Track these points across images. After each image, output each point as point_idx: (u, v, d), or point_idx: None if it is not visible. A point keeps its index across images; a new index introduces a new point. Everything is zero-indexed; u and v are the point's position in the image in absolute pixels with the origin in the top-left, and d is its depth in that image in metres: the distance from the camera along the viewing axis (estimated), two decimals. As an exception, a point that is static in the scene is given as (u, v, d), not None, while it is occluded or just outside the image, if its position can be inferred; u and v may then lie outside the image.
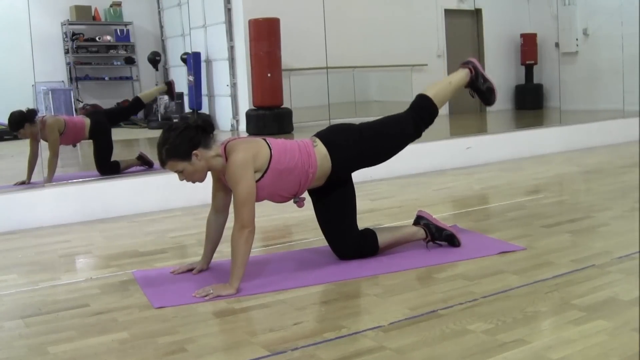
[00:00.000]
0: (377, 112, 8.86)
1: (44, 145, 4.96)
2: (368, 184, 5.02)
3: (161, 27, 8.19)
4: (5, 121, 5.00)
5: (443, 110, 3.34)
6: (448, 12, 9.44)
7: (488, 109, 8.21)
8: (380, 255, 3.07)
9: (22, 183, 4.79)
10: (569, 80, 8.31)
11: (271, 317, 2.41)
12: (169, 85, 6.42)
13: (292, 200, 2.94)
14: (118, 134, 5.67)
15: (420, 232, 3.17)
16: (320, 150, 2.88)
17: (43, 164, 4.78)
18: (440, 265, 2.94)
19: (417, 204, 4.31)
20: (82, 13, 7.62)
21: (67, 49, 7.51)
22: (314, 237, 3.43)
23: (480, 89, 3.21)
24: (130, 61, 7.93)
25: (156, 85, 7.81)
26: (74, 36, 7.59)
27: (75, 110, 7.12)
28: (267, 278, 2.85)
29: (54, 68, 7.24)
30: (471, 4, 9.18)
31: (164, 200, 4.57)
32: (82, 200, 4.40)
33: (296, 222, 3.95)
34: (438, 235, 3.17)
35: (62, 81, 7.25)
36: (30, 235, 4.00)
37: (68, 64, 7.47)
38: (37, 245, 3.76)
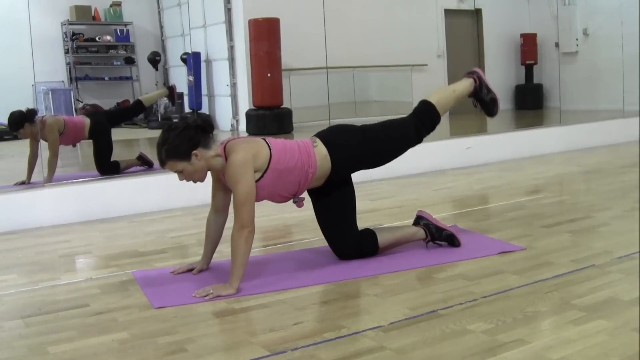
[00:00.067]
0: (377, 112, 8.87)
1: (43, 145, 4.96)
2: (368, 184, 5.02)
3: (161, 27, 8.19)
4: (5, 121, 5.00)
5: (443, 110, 3.33)
6: (448, 12, 9.44)
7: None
8: (380, 255, 3.07)
9: (22, 183, 4.79)
10: (569, 80, 8.30)
11: (271, 317, 2.41)
12: (171, 89, 6.44)
13: (291, 200, 2.94)
14: (118, 134, 5.67)
15: (420, 232, 3.17)
16: (320, 151, 2.88)
17: (43, 164, 4.78)
18: (440, 265, 2.94)
19: (417, 204, 4.31)
20: (82, 13, 7.63)
21: (67, 49, 7.51)
22: (314, 237, 3.43)
23: (483, 100, 3.21)
24: (130, 61, 7.94)
25: (156, 85, 7.82)
26: (74, 36, 7.59)
27: (75, 110, 7.12)
28: (267, 278, 2.85)
29: (54, 68, 7.24)
30: (471, 4, 9.18)
31: (164, 200, 4.57)
32: (82, 200, 4.40)
33: (296, 222, 3.95)
34: (438, 235, 3.17)
35: (62, 81, 7.25)
36: (30, 235, 4.00)
37: (68, 64, 7.48)
38: (37, 245, 3.76)
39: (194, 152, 2.67)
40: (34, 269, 3.24)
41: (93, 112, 6.97)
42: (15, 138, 5.21)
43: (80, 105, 7.31)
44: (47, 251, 3.61)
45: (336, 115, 6.41)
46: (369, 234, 3.05)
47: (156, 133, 2.77)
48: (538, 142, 6.56)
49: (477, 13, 9.62)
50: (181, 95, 7.77)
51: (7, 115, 4.95)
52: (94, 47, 7.77)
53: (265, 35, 7.75)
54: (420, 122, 3.08)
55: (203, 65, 8.33)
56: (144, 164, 5.43)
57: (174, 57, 8.12)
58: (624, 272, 2.70)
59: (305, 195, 2.99)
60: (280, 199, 2.90)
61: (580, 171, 5.57)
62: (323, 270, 2.93)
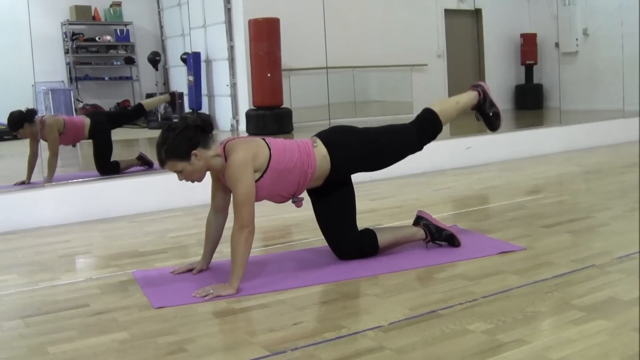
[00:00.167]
0: (377, 112, 8.88)
1: (43, 145, 4.96)
2: (368, 184, 5.02)
3: (161, 27, 8.19)
4: (5, 121, 5.00)
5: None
6: (448, 12, 9.44)
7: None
8: (380, 255, 3.07)
9: (22, 183, 4.79)
10: (569, 80, 8.30)
11: (271, 317, 2.41)
12: (173, 96, 6.46)
13: (290, 200, 2.94)
14: (118, 134, 5.67)
15: (420, 232, 3.17)
16: (320, 151, 2.88)
17: (43, 164, 4.78)
18: (440, 265, 2.94)
19: (417, 204, 4.31)
20: (82, 13, 7.62)
21: (67, 49, 7.51)
22: (314, 237, 3.43)
23: (486, 113, 3.23)
24: (130, 61, 7.94)
25: (156, 84, 7.82)
26: (74, 36, 7.59)
27: (75, 110, 7.12)
28: (267, 278, 2.85)
29: (54, 68, 7.24)
30: (471, 4, 9.18)
31: (164, 200, 4.57)
32: (82, 200, 4.40)
33: (296, 222, 3.95)
34: (438, 236, 3.17)
35: (62, 81, 7.25)
36: (30, 235, 4.00)
37: (68, 64, 7.47)
38: (37, 245, 3.76)
39: (194, 152, 2.67)
40: (33, 269, 3.24)
41: (93, 112, 6.98)
42: (15, 138, 5.20)
43: (80, 105, 7.31)
44: (47, 251, 3.60)
45: (336, 115, 6.41)
46: (369, 234, 3.05)
47: (156, 133, 2.77)
48: (538, 142, 6.56)
49: (477, 13, 9.62)
50: (181, 95, 7.77)
51: (7, 115, 4.95)
52: (94, 47, 7.77)
53: (265, 35, 7.75)
54: (422, 130, 3.08)
55: (203, 65, 8.33)
56: (144, 164, 5.43)
57: (174, 57, 8.12)
58: (624, 272, 2.70)
59: (304, 195, 2.99)
60: (280, 198, 2.90)
61: (580, 171, 5.57)
62: (323, 270, 2.93)
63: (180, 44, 8.09)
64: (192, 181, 2.76)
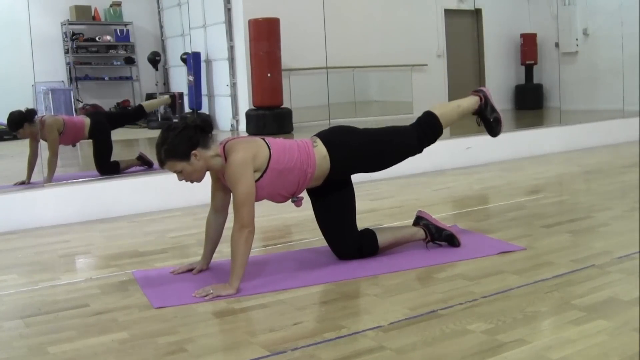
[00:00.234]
0: (377, 112, 8.88)
1: (43, 145, 4.96)
2: (368, 184, 5.02)
3: (161, 27, 8.19)
4: (5, 121, 5.00)
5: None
6: (448, 12, 9.44)
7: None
8: (380, 255, 3.07)
9: (22, 183, 4.79)
10: (569, 80, 8.30)
11: (271, 317, 2.41)
12: (173, 98, 6.47)
13: (290, 200, 2.94)
14: (118, 134, 5.67)
15: (420, 232, 3.17)
16: (320, 151, 2.88)
17: (43, 164, 4.78)
18: (440, 265, 2.94)
19: (417, 204, 4.31)
20: (82, 13, 7.63)
21: (67, 49, 7.52)
22: (314, 237, 3.43)
23: (487, 118, 3.23)
24: (130, 61, 7.94)
25: (156, 84, 7.82)
26: (74, 36, 7.59)
27: (75, 110, 7.13)
28: (267, 278, 2.85)
29: (54, 68, 7.25)
30: (471, 4, 9.18)
31: (164, 200, 4.57)
32: (82, 200, 4.40)
33: (296, 222, 3.95)
34: (438, 236, 3.17)
35: (62, 81, 7.26)
36: (30, 235, 4.00)
37: (68, 64, 7.48)
38: (37, 245, 3.76)
39: (193, 152, 2.66)
40: (33, 269, 3.24)
41: (93, 112, 6.98)
42: (15, 138, 5.21)
43: (80, 105, 7.31)
44: (47, 251, 3.60)
45: (336, 115, 6.41)
46: (369, 234, 3.05)
47: (156, 133, 2.77)
48: (538, 142, 6.56)
49: (477, 13, 9.62)
50: (181, 95, 7.78)
51: (7, 115, 4.95)
52: (94, 47, 7.77)
53: (265, 35, 7.75)
54: (423, 133, 3.09)
55: (203, 65, 8.33)
56: (144, 164, 5.43)
57: (174, 57, 8.13)
58: (624, 272, 2.70)
59: (304, 194, 3.00)
60: (280, 198, 2.90)
61: (580, 171, 5.57)
62: (323, 270, 2.93)
63: (180, 44, 8.10)
64: (192, 181, 2.76)
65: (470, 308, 2.38)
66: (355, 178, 3.08)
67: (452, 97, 3.11)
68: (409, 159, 3.13)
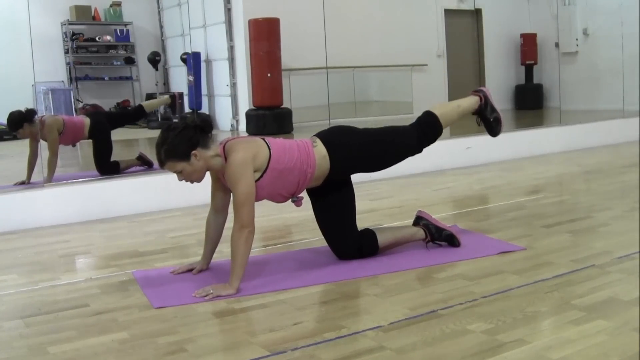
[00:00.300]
0: (377, 112, 8.88)
1: (43, 145, 4.96)
2: (368, 184, 5.02)
3: (161, 27, 8.19)
4: (5, 121, 5.00)
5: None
6: (448, 12, 9.44)
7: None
8: (380, 255, 3.07)
9: (22, 183, 4.79)
10: (569, 80, 8.30)
11: (271, 317, 2.41)
12: (173, 99, 6.47)
13: (290, 200, 2.94)
14: (118, 134, 5.67)
15: (419, 232, 3.17)
16: (320, 151, 2.87)
17: (43, 164, 4.78)
18: (440, 265, 2.94)
19: (417, 204, 4.31)
20: (82, 13, 7.63)
21: (67, 49, 7.51)
22: (314, 237, 3.43)
23: (487, 118, 3.23)
24: (130, 61, 7.94)
25: (156, 84, 7.82)
26: (74, 36, 7.59)
27: (75, 110, 7.13)
28: (267, 278, 2.85)
29: (54, 68, 7.25)
30: (471, 4, 9.18)
31: (164, 200, 4.57)
32: (82, 200, 4.40)
33: (296, 222, 3.95)
34: (438, 236, 3.17)
35: (62, 81, 7.26)
36: (30, 235, 4.00)
37: (68, 64, 7.48)
38: (37, 245, 3.76)
39: (193, 152, 2.66)
40: (33, 269, 3.24)
41: (93, 112, 6.98)
42: (15, 138, 5.21)
43: (80, 105, 7.31)
44: (47, 251, 3.60)
45: (336, 115, 6.41)
46: (369, 234, 3.05)
47: (156, 133, 2.77)
48: (538, 142, 6.56)
49: (477, 13, 9.62)
50: (181, 95, 7.78)
51: (7, 116, 4.95)
52: (94, 47, 7.77)
53: (265, 35, 7.75)
54: (423, 133, 3.09)
55: (203, 65, 8.33)
56: (144, 164, 5.43)
57: (174, 57, 8.13)
58: (624, 272, 2.70)
59: (304, 194, 3.00)
60: (280, 198, 2.90)
61: (580, 171, 5.57)
62: (323, 270, 2.93)
63: (180, 44, 8.10)
64: (192, 181, 2.76)
65: (470, 308, 2.38)
66: (355, 178, 3.08)
67: (452, 97, 3.11)
68: (409, 159, 3.13)
